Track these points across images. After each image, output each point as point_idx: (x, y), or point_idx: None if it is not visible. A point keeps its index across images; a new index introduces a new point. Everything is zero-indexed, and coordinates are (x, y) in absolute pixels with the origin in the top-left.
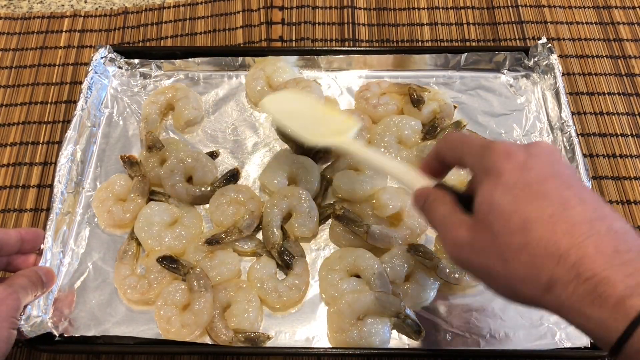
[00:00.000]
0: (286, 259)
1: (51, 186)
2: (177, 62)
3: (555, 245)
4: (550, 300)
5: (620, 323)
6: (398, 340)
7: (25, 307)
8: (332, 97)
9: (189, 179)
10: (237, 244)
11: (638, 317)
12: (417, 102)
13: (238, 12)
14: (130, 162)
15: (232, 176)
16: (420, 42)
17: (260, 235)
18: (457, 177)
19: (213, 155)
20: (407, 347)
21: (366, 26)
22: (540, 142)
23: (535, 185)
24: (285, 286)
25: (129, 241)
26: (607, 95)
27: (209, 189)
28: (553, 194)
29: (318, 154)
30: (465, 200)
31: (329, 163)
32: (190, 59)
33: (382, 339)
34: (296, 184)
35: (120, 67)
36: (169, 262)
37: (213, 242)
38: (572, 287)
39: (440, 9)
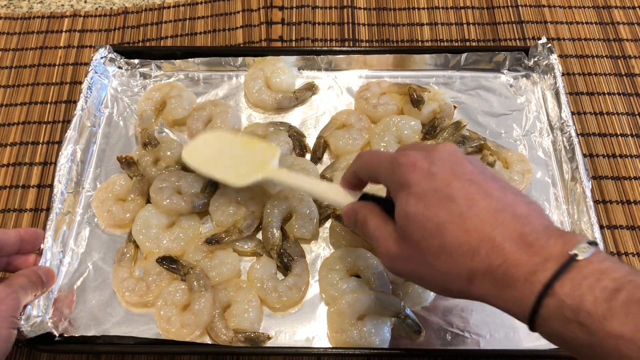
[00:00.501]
0: (285, 261)
1: (51, 186)
2: (177, 62)
3: (467, 243)
4: (475, 291)
5: (529, 298)
6: (398, 340)
7: (25, 307)
8: (248, 126)
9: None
10: (237, 244)
11: (543, 290)
12: (417, 102)
13: (238, 12)
14: (127, 163)
15: (212, 185)
16: (420, 42)
17: (260, 235)
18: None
19: None
20: (407, 347)
21: (366, 26)
22: (441, 145)
23: (442, 189)
24: (285, 286)
25: (127, 243)
26: (607, 95)
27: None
28: (459, 194)
29: (316, 155)
30: (389, 204)
31: (329, 164)
32: (190, 59)
33: (382, 339)
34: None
35: (120, 67)
36: (169, 263)
37: (213, 241)
38: (488, 277)
39: (440, 9)
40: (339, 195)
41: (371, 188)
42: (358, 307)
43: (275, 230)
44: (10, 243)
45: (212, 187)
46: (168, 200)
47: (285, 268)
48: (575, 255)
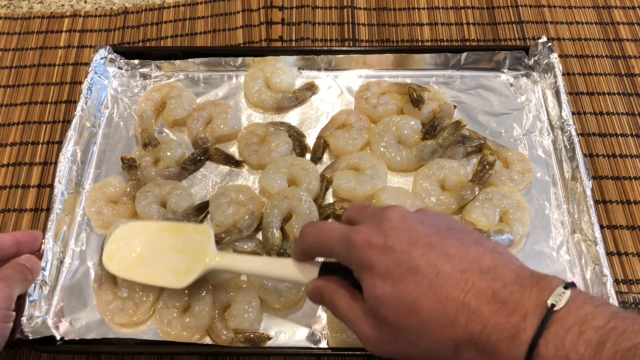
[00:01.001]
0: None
1: (51, 186)
2: (177, 62)
3: (444, 315)
4: (463, 358)
5: None
6: None
7: (22, 306)
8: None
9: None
10: (237, 243)
11: (527, 353)
12: (416, 101)
13: (238, 12)
14: (129, 164)
15: (201, 209)
16: (420, 42)
17: (260, 235)
18: (457, 177)
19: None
20: None
21: (366, 26)
22: (388, 212)
23: (403, 262)
24: (285, 286)
25: (102, 267)
26: (607, 95)
27: (182, 218)
28: (421, 264)
29: (316, 155)
30: (351, 273)
31: (329, 164)
32: (190, 59)
33: None
34: (296, 186)
35: (120, 68)
36: None
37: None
38: (473, 345)
39: (440, 9)
40: (296, 272)
41: None
42: None
43: (275, 231)
44: (7, 247)
45: (199, 210)
46: (147, 210)
47: None
48: (553, 305)
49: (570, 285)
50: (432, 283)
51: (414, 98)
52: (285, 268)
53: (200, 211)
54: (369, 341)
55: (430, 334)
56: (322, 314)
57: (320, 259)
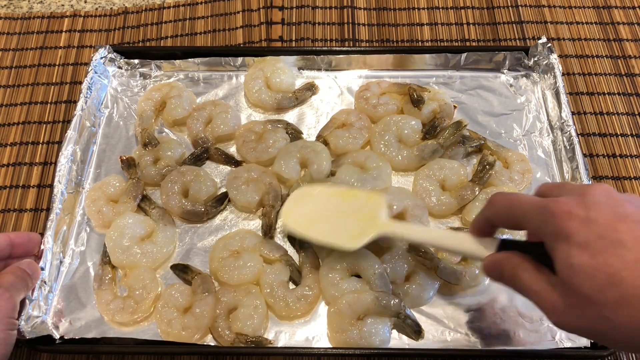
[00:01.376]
0: (307, 246)
1: (51, 186)
2: (177, 62)
3: None
4: None
5: None
6: (398, 340)
7: (22, 307)
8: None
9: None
10: (264, 250)
11: None
12: (417, 102)
13: (238, 12)
14: (128, 164)
15: (221, 200)
16: (420, 42)
17: (287, 246)
18: (458, 177)
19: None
20: (407, 347)
21: (366, 26)
22: (593, 187)
23: (606, 235)
24: (294, 296)
25: (102, 267)
26: (607, 95)
27: (201, 208)
28: (628, 238)
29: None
30: (532, 248)
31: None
32: (190, 59)
33: (382, 339)
34: (307, 168)
35: (120, 67)
36: (181, 270)
37: (267, 234)
38: None
39: (440, 9)
40: (473, 247)
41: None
42: (358, 307)
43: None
44: (0, 248)
45: (219, 201)
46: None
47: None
48: None
49: None
50: (637, 257)
51: (414, 98)
52: (462, 241)
53: (220, 202)
54: (555, 312)
55: (632, 310)
56: (322, 314)
57: (498, 237)
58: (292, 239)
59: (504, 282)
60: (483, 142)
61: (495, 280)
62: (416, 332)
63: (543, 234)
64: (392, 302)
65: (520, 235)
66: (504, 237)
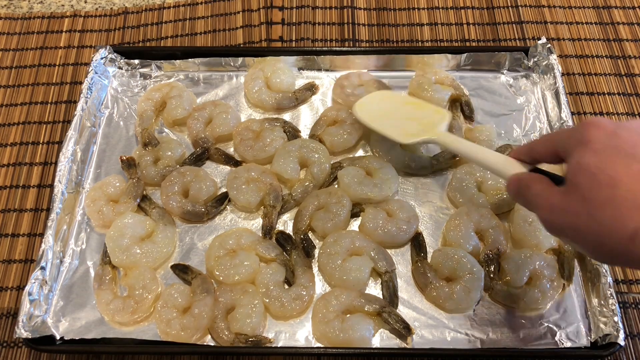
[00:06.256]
0: (306, 245)
1: (51, 186)
2: (177, 62)
3: None
4: (635, 250)
5: None
6: (398, 340)
7: (21, 306)
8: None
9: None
10: (261, 249)
11: None
12: (468, 117)
13: (238, 12)
14: (128, 164)
15: (221, 200)
16: (420, 42)
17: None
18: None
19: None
20: (406, 347)
21: (366, 26)
22: (633, 120)
23: (623, 148)
24: (289, 296)
25: (102, 266)
26: (607, 95)
27: (202, 208)
28: None
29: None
30: (558, 181)
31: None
32: (190, 59)
33: (362, 335)
34: (307, 167)
35: (120, 68)
36: (181, 270)
37: (267, 234)
38: None
39: (440, 9)
40: (507, 165)
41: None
42: (343, 300)
43: (306, 218)
44: None
45: (219, 201)
46: (170, 202)
47: (306, 254)
48: None
49: None
50: None
51: (466, 113)
52: (498, 159)
53: (220, 202)
54: (549, 207)
55: (615, 210)
56: None
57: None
58: (284, 240)
59: (518, 196)
60: None
61: (512, 195)
62: (405, 328)
63: (569, 145)
64: (376, 298)
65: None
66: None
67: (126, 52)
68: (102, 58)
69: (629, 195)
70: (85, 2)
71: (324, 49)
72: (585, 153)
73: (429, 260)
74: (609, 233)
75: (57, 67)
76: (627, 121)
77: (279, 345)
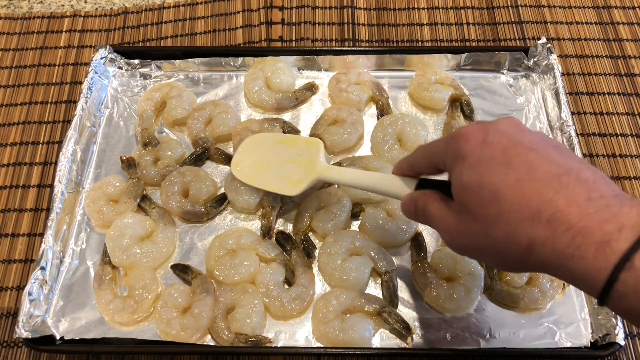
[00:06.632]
0: (307, 246)
1: (51, 186)
2: (177, 62)
3: (527, 207)
4: (534, 261)
5: (602, 272)
6: (398, 340)
7: (21, 306)
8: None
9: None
10: (261, 249)
11: (619, 263)
12: (468, 117)
13: (238, 12)
14: (128, 163)
15: (221, 200)
16: (420, 42)
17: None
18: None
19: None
20: (406, 347)
21: (366, 26)
22: (500, 119)
23: (498, 157)
24: (289, 296)
25: (102, 266)
26: (607, 95)
27: (201, 209)
28: (516, 160)
29: None
30: (448, 187)
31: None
32: (190, 59)
33: (362, 335)
34: None
35: (120, 68)
36: (181, 270)
37: (266, 235)
38: (550, 244)
39: (440, 9)
40: (396, 186)
41: None
42: (343, 300)
43: (307, 219)
44: None
45: (219, 202)
46: (170, 202)
47: (306, 255)
48: None
49: None
50: (522, 177)
51: (466, 113)
52: (386, 181)
53: (220, 202)
54: (449, 231)
55: (507, 225)
56: None
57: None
58: (284, 240)
59: (417, 217)
60: None
61: (411, 217)
62: (405, 328)
63: (446, 160)
64: (377, 298)
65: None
66: (423, 177)
67: (126, 52)
68: (102, 58)
69: (514, 207)
70: (85, 2)
71: (323, 49)
72: (463, 170)
73: (429, 260)
74: (507, 249)
75: (57, 67)
76: (494, 122)
77: (279, 345)
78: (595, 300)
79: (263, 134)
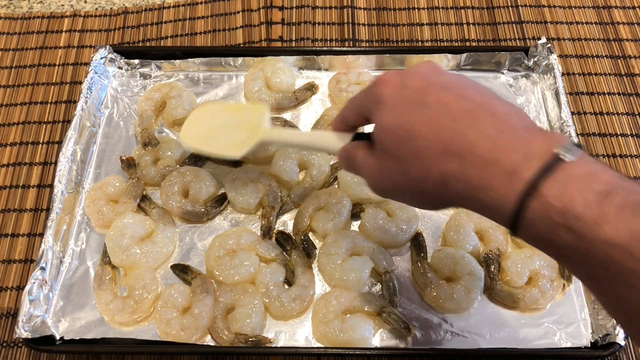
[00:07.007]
0: (307, 246)
1: (51, 186)
2: (177, 62)
3: (438, 142)
4: (450, 195)
5: (510, 200)
6: (398, 340)
7: (21, 306)
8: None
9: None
10: (260, 249)
11: (527, 190)
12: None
13: (238, 12)
14: (128, 164)
15: (220, 200)
16: (420, 42)
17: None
18: None
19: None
20: (406, 347)
21: (366, 26)
22: (421, 62)
23: (413, 98)
24: (289, 296)
25: (102, 266)
26: (607, 95)
27: (201, 209)
28: (431, 100)
29: None
30: None
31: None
32: (190, 59)
33: (362, 335)
34: (307, 169)
35: (120, 68)
36: (181, 270)
37: (266, 235)
38: (462, 177)
39: (440, 9)
40: (331, 141)
41: None
42: (344, 299)
43: (306, 219)
44: None
45: (219, 202)
46: (170, 202)
47: (306, 255)
48: (561, 154)
49: (579, 146)
50: (435, 115)
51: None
52: (322, 138)
53: (220, 202)
54: (371, 175)
55: (421, 161)
56: None
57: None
58: (284, 240)
59: (349, 168)
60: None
61: (346, 169)
62: (405, 327)
63: (368, 105)
64: (377, 298)
65: None
66: (360, 132)
67: (126, 52)
68: (102, 58)
69: (427, 144)
70: (85, 2)
71: (324, 49)
72: (381, 113)
73: (429, 260)
74: (423, 185)
75: (57, 67)
76: (413, 66)
77: (279, 345)
78: (596, 300)
79: (210, 104)
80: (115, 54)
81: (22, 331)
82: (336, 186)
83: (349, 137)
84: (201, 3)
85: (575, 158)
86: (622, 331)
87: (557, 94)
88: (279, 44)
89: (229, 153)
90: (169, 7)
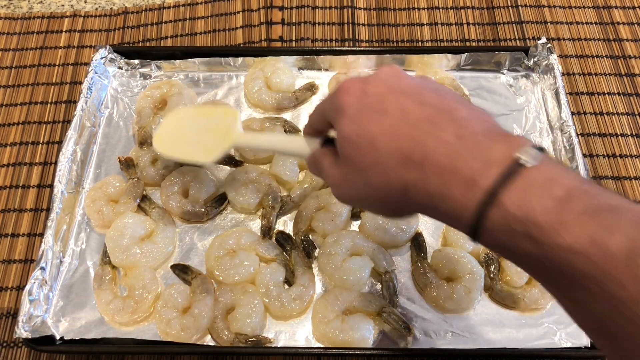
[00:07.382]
0: (307, 246)
1: (51, 186)
2: (177, 62)
3: (398, 151)
4: (412, 204)
5: (470, 210)
6: (398, 340)
7: (21, 306)
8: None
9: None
10: (260, 249)
11: (485, 199)
12: None
13: (238, 12)
14: (127, 164)
15: (220, 200)
16: (420, 42)
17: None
18: None
19: None
20: (407, 347)
21: (366, 26)
22: (382, 67)
23: (374, 105)
24: (289, 296)
25: (102, 266)
26: (607, 95)
27: (201, 209)
28: (391, 107)
29: None
30: None
31: None
32: (190, 59)
33: (362, 335)
34: (307, 169)
35: (120, 68)
36: (181, 270)
37: (266, 235)
38: (422, 186)
39: (440, 9)
40: (300, 146)
41: None
42: (344, 299)
43: (307, 219)
44: None
45: (218, 202)
46: (170, 202)
47: (306, 255)
48: (521, 160)
49: (541, 149)
50: (395, 123)
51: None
52: (292, 142)
53: (220, 202)
54: (336, 184)
55: (383, 172)
56: None
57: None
58: (284, 240)
59: (317, 174)
60: None
61: (315, 175)
62: (405, 328)
63: (331, 113)
64: (377, 298)
65: None
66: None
67: (126, 52)
68: (102, 58)
69: (388, 154)
70: (85, 2)
71: (324, 49)
72: (343, 122)
73: (429, 260)
74: (385, 195)
75: (57, 67)
76: (375, 72)
77: (279, 345)
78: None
79: (183, 109)
80: (115, 54)
81: (22, 331)
82: None
83: (318, 142)
84: (201, 3)
85: (536, 162)
86: None
87: (557, 94)
88: (279, 44)
89: (200, 159)
90: (169, 7)
